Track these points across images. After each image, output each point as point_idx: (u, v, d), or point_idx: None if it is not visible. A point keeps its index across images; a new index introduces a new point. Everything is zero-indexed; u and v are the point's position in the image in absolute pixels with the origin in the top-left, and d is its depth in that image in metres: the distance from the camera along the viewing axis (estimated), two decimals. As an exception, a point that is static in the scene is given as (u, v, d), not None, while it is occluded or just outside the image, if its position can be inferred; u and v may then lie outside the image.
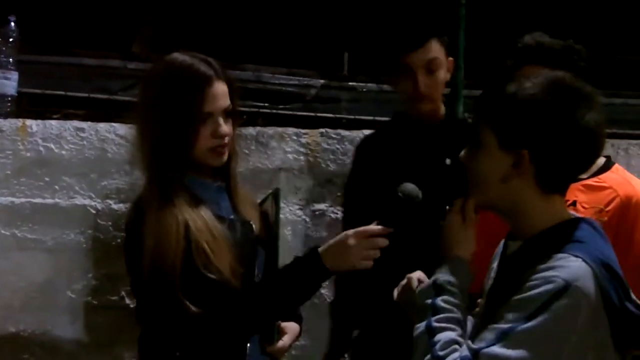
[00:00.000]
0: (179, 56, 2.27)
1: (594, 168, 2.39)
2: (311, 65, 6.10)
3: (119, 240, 3.38)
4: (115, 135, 3.41)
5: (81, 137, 3.39)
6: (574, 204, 2.35)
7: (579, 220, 1.86)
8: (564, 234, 1.79)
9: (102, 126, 3.42)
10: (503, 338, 1.68)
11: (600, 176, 2.42)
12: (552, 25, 2.66)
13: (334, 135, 3.64)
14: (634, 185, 2.43)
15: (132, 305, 3.39)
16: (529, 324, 1.67)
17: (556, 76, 1.85)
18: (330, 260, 2.14)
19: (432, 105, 2.82)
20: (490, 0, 4.76)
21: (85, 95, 4.22)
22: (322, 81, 6.19)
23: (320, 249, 2.16)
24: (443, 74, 2.81)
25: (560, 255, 1.74)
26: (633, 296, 1.80)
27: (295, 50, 6.08)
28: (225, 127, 2.24)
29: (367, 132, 3.63)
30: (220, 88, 2.24)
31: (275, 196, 2.41)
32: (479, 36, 4.01)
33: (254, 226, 2.35)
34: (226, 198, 2.35)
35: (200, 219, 2.20)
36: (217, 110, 2.23)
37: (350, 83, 6.25)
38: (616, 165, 2.50)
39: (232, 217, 2.31)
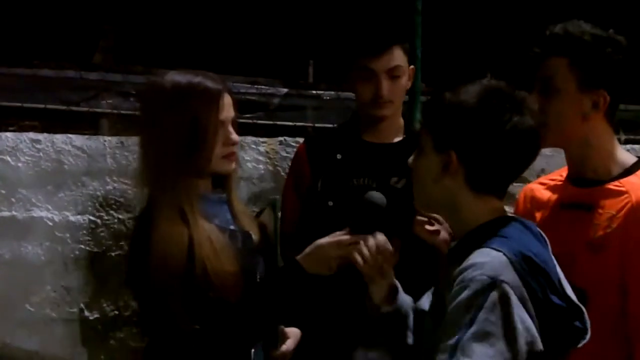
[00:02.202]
0: (180, 74, 2.35)
1: (618, 169, 2.24)
2: (276, 74, 6.11)
3: (77, 252, 3.36)
4: (71, 147, 3.39)
5: (37, 148, 3.37)
6: (590, 208, 2.21)
7: (509, 218, 1.92)
8: (490, 231, 1.86)
9: (58, 137, 3.40)
10: (455, 350, 1.73)
11: (622, 180, 2.23)
12: (513, 31, 2.65)
13: (292, 144, 3.64)
14: None
15: (91, 318, 3.38)
16: (473, 328, 1.72)
17: (490, 84, 1.92)
18: (309, 266, 2.23)
19: (392, 110, 2.87)
20: (447, 7, 4.80)
21: (42, 106, 4.20)
22: (285, 90, 6.21)
23: (297, 257, 2.25)
24: (404, 81, 2.86)
25: (480, 250, 1.80)
26: (567, 290, 1.84)
27: (260, 60, 6.10)
28: (235, 135, 2.35)
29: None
30: (228, 99, 2.35)
31: (273, 206, 2.52)
32: (436, 43, 4.04)
33: (253, 236, 2.42)
34: (226, 209, 2.42)
35: (204, 234, 2.27)
36: (227, 119, 2.34)
37: (314, 91, 6.26)
38: None
39: (232, 227, 2.38)
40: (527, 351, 1.73)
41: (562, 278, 1.87)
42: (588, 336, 1.84)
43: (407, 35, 2.93)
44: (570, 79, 2.19)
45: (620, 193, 2.19)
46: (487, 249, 1.79)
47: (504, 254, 1.77)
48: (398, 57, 2.80)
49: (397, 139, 2.92)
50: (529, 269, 1.77)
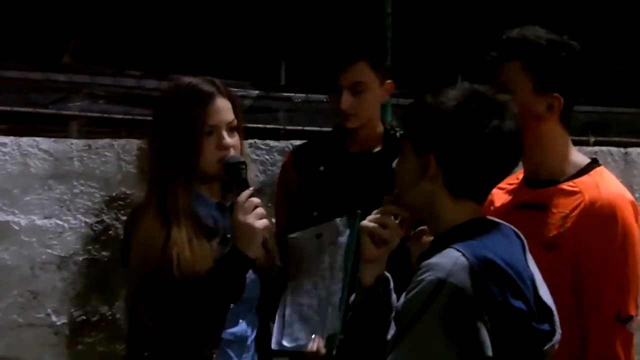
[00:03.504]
0: (185, 78, 2.50)
1: (572, 170, 2.30)
2: (246, 75, 6.10)
3: (43, 257, 3.33)
4: (38, 150, 3.35)
5: (3, 152, 3.32)
6: (544, 208, 2.28)
7: (482, 220, 1.92)
8: (460, 233, 1.86)
9: (25, 140, 3.35)
10: (393, 347, 1.77)
11: (575, 180, 2.29)
12: (486, 34, 2.65)
13: (262, 146, 3.63)
14: (601, 189, 2.25)
15: (58, 323, 3.35)
16: (413, 327, 1.75)
17: (470, 87, 1.91)
18: (242, 242, 2.34)
19: (356, 123, 2.93)
20: (417, 9, 4.81)
21: (9, 109, 4.15)
22: (256, 91, 6.20)
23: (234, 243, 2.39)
24: (371, 96, 2.91)
25: (445, 250, 1.80)
26: (540, 291, 1.85)
27: (231, 61, 6.08)
28: (229, 139, 2.43)
29: (295, 142, 3.64)
30: (223, 103, 2.45)
31: (353, 220, 2.47)
32: (406, 45, 4.04)
33: None
34: (227, 215, 2.49)
35: (185, 236, 2.36)
36: (220, 124, 2.43)
37: (286, 93, 6.25)
38: (597, 169, 2.32)
39: (228, 235, 2.45)
40: (469, 355, 1.73)
41: (537, 279, 1.87)
42: (556, 338, 1.85)
43: (377, 51, 2.96)
44: (524, 82, 2.24)
45: (573, 193, 2.25)
46: (448, 249, 1.80)
47: (463, 255, 1.77)
48: (362, 72, 2.86)
49: (376, 149, 2.99)
50: (489, 272, 1.76)
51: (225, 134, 2.42)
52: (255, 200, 2.35)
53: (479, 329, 1.74)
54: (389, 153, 2.91)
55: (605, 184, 2.26)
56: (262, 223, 2.33)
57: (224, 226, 2.47)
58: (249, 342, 2.48)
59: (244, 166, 2.43)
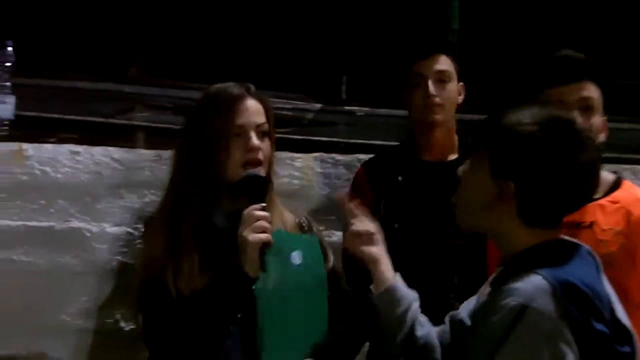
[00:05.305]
0: (216, 84, 2.39)
1: (604, 186, 2.40)
2: (308, 89, 6.13)
3: (113, 264, 3.38)
4: (110, 159, 3.42)
5: (76, 160, 3.39)
6: (590, 225, 2.36)
7: (557, 242, 1.91)
8: (535, 255, 1.85)
9: (97, 150, 3.42)
10: None
11: (613, 195, 2.43)
12: (541, 49, 2.69)
13: (328, 160, 3.65)
14: None
15: (126, 329, 3.39)
16: (497, 356, 1.75)
17: (557, 115, 1.89)
18: (240, 256, 2.18)
19: (442, 116, 2.94)
20: (482, 26, 4.81)
21: (80, 118, 4.24)
22: (319, 105, 6.23)
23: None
24: (453, 88, 2.96)
25: (525, 274, 1.80)
26: (618, 313, 1.85)
27: (293, 75, 6.12)
28: (257, 141, 2.28)
29: (360, 156, 3.65)
30: (252, 104, 2.31)
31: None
32: (471, 61, 4.05)
33: None
34: None
35: (188, 258, 2.26)
36: (249, 124, 2.29)
37: (347, 107, 6.27)
38: (625, 182, 2.51)
39: None
40: None
41: (613, 300, 1.87)
42: None
43: (453, 48, 3.05)
44: (600, 101, 2.43)
45: (617, 208, 2.39)
46: (529, 274, 1.79)
47: (545, 279, 1.76)
48: (446, 62, 2.95)
49: (452, 157, 3.01)
50: (570, 296, 1.76)
51: (253, 134, 2.28)
52: (258, 213, 2.18)
53: (566, 354, 1.73)
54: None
55: None
56: (255, 237, 2.15)
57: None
58: None
59: (260, 181, 2.27)
